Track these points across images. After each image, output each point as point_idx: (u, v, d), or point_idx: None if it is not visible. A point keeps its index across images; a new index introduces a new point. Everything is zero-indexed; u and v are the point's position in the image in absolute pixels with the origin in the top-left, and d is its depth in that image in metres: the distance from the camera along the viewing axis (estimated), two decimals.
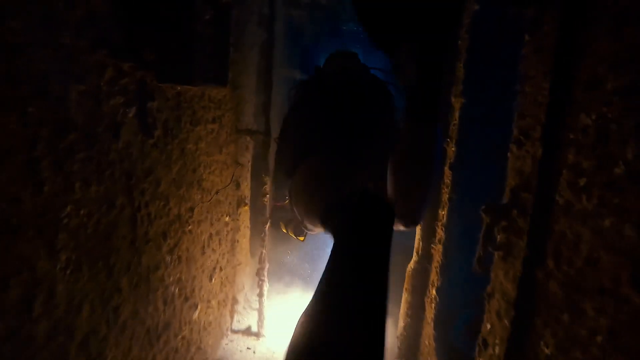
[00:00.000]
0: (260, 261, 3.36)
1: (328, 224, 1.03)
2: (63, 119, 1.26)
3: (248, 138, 3.14)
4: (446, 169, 2.72)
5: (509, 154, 1.58)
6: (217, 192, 2.65)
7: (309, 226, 1.34)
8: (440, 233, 2.98)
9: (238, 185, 3.27)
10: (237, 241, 3.33)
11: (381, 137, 1.66)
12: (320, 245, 5.50)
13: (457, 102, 2.60)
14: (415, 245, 3.43)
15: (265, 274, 3.39)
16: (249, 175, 3.42)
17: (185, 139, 2.13)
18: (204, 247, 2.56)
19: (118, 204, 1.59)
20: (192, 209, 2.31)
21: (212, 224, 2.68)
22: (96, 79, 1.40)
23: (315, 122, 1.66)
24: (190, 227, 2.31)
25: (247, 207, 3.50)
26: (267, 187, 3.34)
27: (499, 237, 1.57)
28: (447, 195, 2.74)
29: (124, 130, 1.58)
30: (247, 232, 3.73)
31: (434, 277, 3.13)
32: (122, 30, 1.46)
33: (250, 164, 3.42)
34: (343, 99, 1.69)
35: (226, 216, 3.01)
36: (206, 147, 2.44)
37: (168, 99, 1.90)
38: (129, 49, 1.50)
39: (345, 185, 1.17)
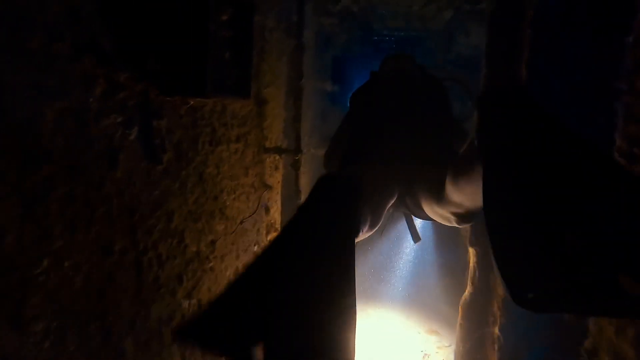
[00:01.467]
0: None
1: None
2: (33, 146, 0.96)
3: (277, 157, 2.82)
4: None
5: None
6: (243, 221, 2.33)
7: None
8: None
9: (267, 210, 2.95)
10: None
11: (438, 128, 1.75)
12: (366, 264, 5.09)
13: None
14: (470, 273, 2.99)
15: None
16: (279, 198, 3.09)
17: (203, 162, 1.82)
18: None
19: (116, 249, 1.28)
20: (213, 243, 1.99)
21: (238, 257, 2.36)
22: (82, 93, 1.10)
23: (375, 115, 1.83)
24: (211, 263, 1.99)
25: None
26: None
27: None
28: None
29: (123, 156, 1.28)
30: None
31: (496, 312, 2.67)
32: (115, 33, 1.16)
33: (280, 185, 3.09)
34: (401, 96, 1.78)
35: (254, 245, 2.68)
36: (229, 169, 2.13)
37: (180, 115, 1.59)
38: (126, 56, 1.20)
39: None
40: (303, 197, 3.02)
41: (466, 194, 1.15)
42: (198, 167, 1.77)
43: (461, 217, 1.34)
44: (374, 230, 1.43)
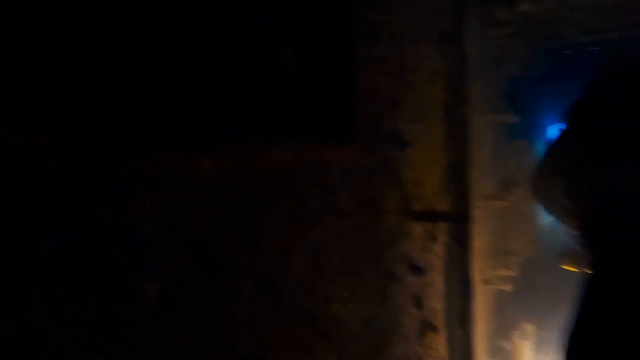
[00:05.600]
0: None
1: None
2: None
3: (431, 226, 1.86)
4: None
5: None
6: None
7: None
8: None
9: (419, 303, 1.97)
10: None
11: None
12: None
13: None
14: None
15: None
16: (439, 283, 2.08)
17: (273, 263, 1.02)
18: None
19: None
20: None
21: None
22: None
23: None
24: None
25: (438, 336, 2.13)
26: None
27: None
28: None
29: None
30: None
31: None
32: None
33: (441, 265, 2.09)
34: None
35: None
36: (342, 260, 1.28)
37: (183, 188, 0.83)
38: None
39: None
40: (478, 286, 1.96)
41: None
42: (263, 273, 0.96)
43: None
44: None
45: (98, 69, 0.55)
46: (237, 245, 0.88)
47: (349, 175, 1.27)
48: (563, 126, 2.02)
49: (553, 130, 6.44)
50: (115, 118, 0.54)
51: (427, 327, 2.07)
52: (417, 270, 1.88)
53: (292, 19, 0.71)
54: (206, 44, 0.64)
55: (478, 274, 2.67)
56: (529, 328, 3.69)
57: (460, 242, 1.85)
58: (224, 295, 0.88)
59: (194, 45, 0.61)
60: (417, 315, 1.98)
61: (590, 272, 1.12)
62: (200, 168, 0.71)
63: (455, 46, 2.12)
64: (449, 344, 2.24)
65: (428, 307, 2.06)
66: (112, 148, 0.53)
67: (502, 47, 3.72)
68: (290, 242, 1.05)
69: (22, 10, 0.49)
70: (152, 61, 0.59)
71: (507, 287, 3.34)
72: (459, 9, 2.29)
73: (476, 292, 2.27)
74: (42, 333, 0.55)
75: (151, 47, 0.56)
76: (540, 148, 4.83)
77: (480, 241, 2.59)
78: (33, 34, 0.51)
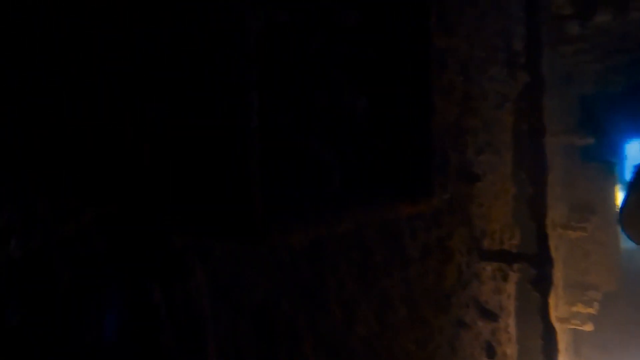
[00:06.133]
0: None
1: None
2: None
3: (504, 267, 1.68)
4: None
5: None
6: None
7: None
8: None
9: (491, 351, 1.77)
10: None
11: None
12: None
13: None
14: None
15: None
16: (512, 333, 1.87)
17: (327, 323, 0.92)
18: None
19: None
20: None
21: None
22: None
23: None
24: None
25: None
26: None
27: None
28: None
29: None
30: None
31: None
32: None
33: (512, 309, 1.89)
34: None
35: None
36: (411, 313, 1.15)
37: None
38: None
39: None
40: (560, 329, 1.73)
41: None
42: (325, 333, 0.86)
43: None
44: None
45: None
46: (296, 306, 0.79)
47: (416, 218, 1.15)
48: None
49: (632, 149, 5.85)
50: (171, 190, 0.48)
51: None
52: (489, 314, 1.70)
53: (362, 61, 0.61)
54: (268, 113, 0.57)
55: (552, 312, 2.41)
56: None
57: (539, 285, 1.65)
58: None
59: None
60: None
61: None
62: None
63: (526, 67, 1.94)
64: None
65: (501, 354, 1.85)
66: (165, 221, 0.47)
67: (573, 64, 3.45)
68: (354, 296, 0.95)
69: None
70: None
71: (587, 327, 2.99)
72: (532, 26, 2.10)
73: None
74: None
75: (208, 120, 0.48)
76: (619, 170, 4.39)
77: (554, 275, 2.34)
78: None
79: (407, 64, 0.68)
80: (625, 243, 4.25)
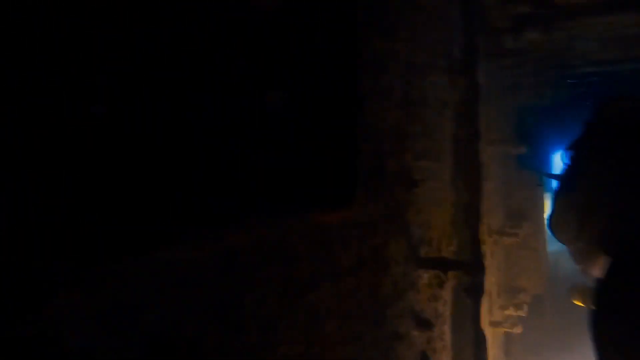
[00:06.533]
0: None
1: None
2: None
3: (441, 275, 1.66)
4: None
5: None
6: None
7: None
8: None
9: None
10: None
11: None
12: None
13: None
14: None
15: None
16: (447, 341, 1.86)
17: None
18: None
19: None
20: None
21: None
22: None
23: (607, 175, 1.61)
24: None
25: None
26: None
27: None
28: None
29: None
30: None
31: None
32: None
33: (448, 317, 1.88)
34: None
35: None
36: (338, 332, 1.07)
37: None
38: None
39: None
40: (494, 334, 1.74)
41: None
42: None
43: None
44: None
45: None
46: (202, 329, 0.69)
47: (349, 227, 1.08)
48: (566, 160, 1.91)
49: (558, 159, 6.24)
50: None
51: None
52: (424, 323, 1.67)
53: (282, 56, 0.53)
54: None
55: (486, 316, 2.45)
56: None
57: (472, 292, 1.64)
58: None
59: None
60: None
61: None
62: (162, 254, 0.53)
63: (466, 75, 1.96)
64: None
65: None
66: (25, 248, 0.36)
67: (512, 76, 3.58)
68: (275, 313, 0.86)
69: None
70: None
71: (517, 330, 3.10)
72: (469, 37, 2.14)
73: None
74: None
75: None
76: (546, 179, 4.64)
77: (488, 280, 2.38)
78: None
79: (331, 60, 0.60)
80: (552, 246, 4.50)
